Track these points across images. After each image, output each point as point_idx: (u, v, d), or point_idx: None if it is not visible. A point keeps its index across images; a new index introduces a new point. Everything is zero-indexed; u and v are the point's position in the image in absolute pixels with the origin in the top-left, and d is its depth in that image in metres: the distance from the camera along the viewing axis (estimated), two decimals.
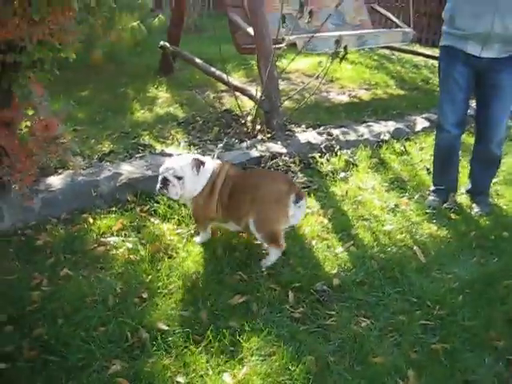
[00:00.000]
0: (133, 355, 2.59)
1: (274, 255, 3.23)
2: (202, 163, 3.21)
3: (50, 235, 3.50)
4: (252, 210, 3.14)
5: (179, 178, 3.15)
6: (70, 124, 5.17)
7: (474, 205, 4.00)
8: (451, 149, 3.99)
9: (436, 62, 4.43)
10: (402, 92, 6.66)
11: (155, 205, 3.82)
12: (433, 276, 3.22)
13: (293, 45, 5.91)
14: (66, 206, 3.77)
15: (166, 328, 2.73)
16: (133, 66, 7.35)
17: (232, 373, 2.48)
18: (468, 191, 4.15)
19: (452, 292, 3.07)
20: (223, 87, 6.37)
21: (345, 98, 6.37)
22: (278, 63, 7.50)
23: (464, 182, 4.22)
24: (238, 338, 2.69)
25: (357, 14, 6.97)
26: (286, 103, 5.90)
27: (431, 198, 4.05)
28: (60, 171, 4.10)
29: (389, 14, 7.05)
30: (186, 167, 3.16)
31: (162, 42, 6.93)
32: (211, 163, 3.30)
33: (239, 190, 3.22)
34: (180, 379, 2.45)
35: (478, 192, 4.07)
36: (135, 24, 6.87)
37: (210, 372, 2.49)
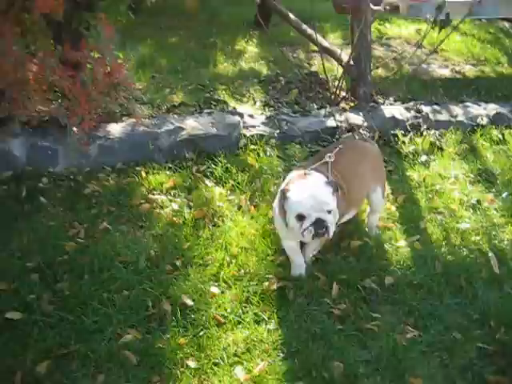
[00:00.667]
0: (149, 327, 2.42)
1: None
2: (338, 185, 2.63)
3: (100, 184, 3.40)
4: (373, 178, 2.98)
5: (329, 212, 2.52)
6: (148, 71, 5.02)
7: None
8: None
9: None
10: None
11: (212, 166, 3.59)
12: (505, 291, 2.77)
13: (395, 8, 5.39)
14: (122, 155, 3.64)
15: (191, 303, 2.54)
16: (227, 16, 7.05)
17: (247, 366, 2.25)
18: None
19: None
20: (316, 48, 5.95)
21: (446, 73, 5.74)
22: (380, 27, 7.06)
23: None
24: (264, 327, 2.44)
25: None
26: (379, 72, 5.44)
27: None
28: (125, 119, 3.95)
29: None
30: (330, 196, 2.54)
31: None
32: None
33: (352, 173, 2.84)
34: (191, 363, 2.26)
35: None
36: None
37: (224, 361, 2.26)
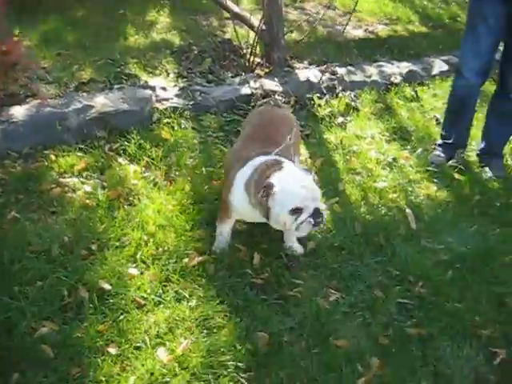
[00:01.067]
0: (65, 317, 2.31)
1: None
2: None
3: (6, 172, 3.19)
4: (297, 148, 2.90)
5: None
6: (54, 47, 4.75)
7: (485, 168, 3.54)
8: (467, 99, 3.50)
9: None
10: (424, 29, 6.02)
11: (125, 143, 3.45)
12: (422, 246, 2.85)
13: None
14: (29, 139, 3.42)
15: (109, 287, 2.43)
16: None
17: (170, 347, 2.19)
18: (480, 151, 3.66)
19: (440, 266, 2.71)
20: (229, 15, 5.82)
21: (360, 33, 5.77)
22: None
23: (476, 139, 3.75)
24: (185, 304, 2.39)
25: None
26: (293, 36, 5.38)
27: (436, 153, 3.60)
28: (29, 100, 3.72)
29: None
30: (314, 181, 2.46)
31: None
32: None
33: None
34: (111, 350, 2.17)
35: (492, 152, 3.59)
36: None
37: (146, 344, 2.20)
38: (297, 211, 2.28)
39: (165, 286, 2.48)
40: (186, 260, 2.62)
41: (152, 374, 2.08)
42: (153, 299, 2.40)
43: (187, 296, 2.43)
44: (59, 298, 2.38)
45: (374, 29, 5.95)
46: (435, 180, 3.37)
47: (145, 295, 2.42)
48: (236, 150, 2.78)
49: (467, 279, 2.63)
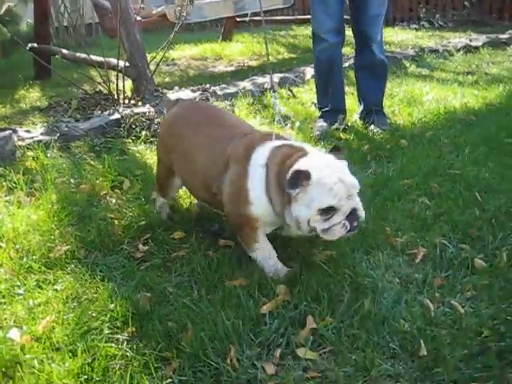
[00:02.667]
0: None
1: None
2: None
3: None
4: None
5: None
6: None
7: (371, 126, 3.45)
8: (332, 61, 3.45)
9: None
10: (293, 55, 6.20)
11: None
12: None
13: (164, 17, 5.41)
14: None
15: None
16: (2, 74, 6.59)
17: (28, 329, 1.77)
18: (361, 114, 3.61)
19: None
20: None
21: (233, 68, 5.83)
22: (166, 54, 7.09)
23: (355, 109, 3.70)
24: (49, 288, 1.99)
25: None
26: (166, 80, 5.36)
27: (318, 124, 3.49)
28: None
29: None
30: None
31: (29, 44, 6.27)
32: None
33: None
34: None
35: (371, 109, 3.52)
36: None
37: None
38: (329, 211, 1.79)
39: (25, 277, 2.07)
40: (52, 253, 2.24)
41: (4, 359, 1.64)
42: (9, 293, 1.99)
43: (52, 281, 2.04)
44: None
45: (245, 63, 6.04)
46: (322, 142, 3.22)
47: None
48: (210, 152, 2.11)
49: (371, 201, 2.41)
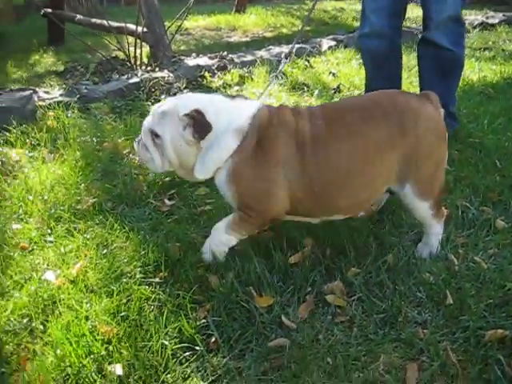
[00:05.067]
0: None
1: (440, 233, 1.88)
2: (205, 123, 1.70)
3: None
4: (407, 168, 1.74)
5: (156, 136, 1.76)
6: None
7: None
8: (380, 51, 2.78)
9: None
10: (308, 28, 6.17)
11: (6, 134, 3.11)
12: None
13: None
14: None
15: None
16: (16, 39, 6.59)
17: (62, 272, 1.82)
18: None
19: None
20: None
21: (248, 39, 5.82)
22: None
23: None
24: (80, 237, 2.03)
25: None
26: (182, 47, 5.36)
27: None
28: None
29: None
30: (168, 117, 1.73)
31: (43, 10, 6.28)
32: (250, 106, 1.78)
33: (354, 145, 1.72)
34: None
35: None
36: None
37: (33, 277, 1.82)
38: None
39: (55, 226, 2.12)
40: (79, 205, 2.29)
41: (41, 296, 1.69)
42: (39, 240, 2.04)
43: (81, 229, 2.09)
44: None
45: (260, 34, 6.03)
46: None
47: (31, 237, 2.05)
48: None
49: None
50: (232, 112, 1.74)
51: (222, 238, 1.80)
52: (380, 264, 1.78)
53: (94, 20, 5.31)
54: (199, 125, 1.68)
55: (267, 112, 1.76)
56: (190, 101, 1.76)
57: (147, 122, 1.78)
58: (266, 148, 1.69)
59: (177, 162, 1.76)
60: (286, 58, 2.40)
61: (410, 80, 3.69)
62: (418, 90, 3.29)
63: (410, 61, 4.34)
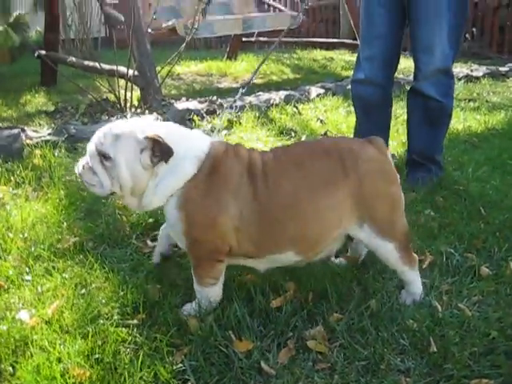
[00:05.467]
0: None
1: (418, 280, 1.87)
2: (167, 148, 1.67)
3: None
4: (359, 208, 1.75)
5: (105, 158, 1.71)
6: None
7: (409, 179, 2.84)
8: (370, 98, 2.86)
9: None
10: (298, 76, 6.29)
11: None
12: None
13: (173, 30, 5.49)
14: None
15: None
16: (9, 79, 6.64)
17: (37, 312, 1.77)
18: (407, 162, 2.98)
19: None
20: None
21: (238, 85, 5.90)
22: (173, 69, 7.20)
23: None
24: (58, 276, 1.99)
25: (244, 6, 6.65)
26: (172, 92, 5.42)
27: None
28: None
29: (277, 4, 6.77)
30: (123, 140, 1.69)
31: (37, 51, 6.35)
32: (203, 141, 1.77)
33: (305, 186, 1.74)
34: None
35: (413, 159, 2.90)
36: (1, 29, 6.22)
37: (6, 317, 1.76)
38: None
39: (33, 264, 2.08)
40: (60, 245, 2.25)
41: (12, 337, 1.64)
42: (17, 278, 1.99)
43: (60, 268, 2.05)
44: None
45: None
46: None
47: (8, 275, 2.01)
48: None
49: None
50: (190, 139, 1.75)
51: (202, 295, 1.77)
52: (363, 310, 1.75)
53: (86, 62, 5.37)
54: (161, 149, 1.66)
55: (224, 144, 1.80)
56: (145, 124, 1.76)
57: (95, 144, 1.72)
58: (220, 176, 1.69)
59: (128, 186, 1.71)
60: (231, 108, 2.42)
61: (397, 128, 3.73)
62: (403, 139, 3.35)
63: (396, 109, 4.41)
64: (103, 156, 1.70)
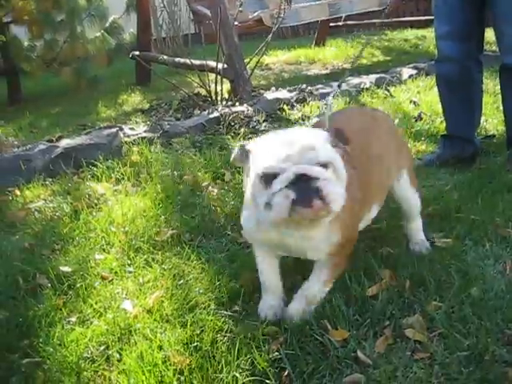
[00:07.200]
0: (19, 302, 1.98)
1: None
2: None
3: None
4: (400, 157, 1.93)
5: (324, 166, 1.41)
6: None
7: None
8: (452, 75, 2.77)
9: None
10: (388, 57, 6.11)
11: (94, 169, 3.27)
12: None
13: (260, 21, 5.51)
14: None
15: (69, 270, 2.13)
16: (106, 83, 6.97)
17: (139, 302, 1.86)
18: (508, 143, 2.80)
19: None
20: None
21: (327, 71, 5.84)
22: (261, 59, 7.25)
23: None
24: (157, 267, 2.08)
25: None
26: (261, 82, 5.45)
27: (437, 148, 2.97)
28: None
29: None
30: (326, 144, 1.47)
31: (132, 52, 6.61)
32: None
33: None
34: (72, 318, 1.84)
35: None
36: (98, 34, 6.52)
37: (111, 305, 1.86)
38: (268, 178, 1.39)
39: (134, 257, 2.18)
40: (158, 237, 2.34)
41: (118, 325, 1.73)
42: (120, 270, 2.10)
43: (159, 260, 2.13)
44: (13, 288, 2.07)
45: (339, 67, 6.03)
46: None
47: (111, 267, 2.12)
48: None
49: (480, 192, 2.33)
50: None
51: (320, 297, 1.69)
52: (463, 297, 1.68)
53: (177, 59, 5.51)
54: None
55: None
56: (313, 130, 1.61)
57: (309, 157, 1.38)
58: None
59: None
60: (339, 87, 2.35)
61: (497, 105, 3.52)
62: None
63: (496, 85, 4.17)
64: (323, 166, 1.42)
